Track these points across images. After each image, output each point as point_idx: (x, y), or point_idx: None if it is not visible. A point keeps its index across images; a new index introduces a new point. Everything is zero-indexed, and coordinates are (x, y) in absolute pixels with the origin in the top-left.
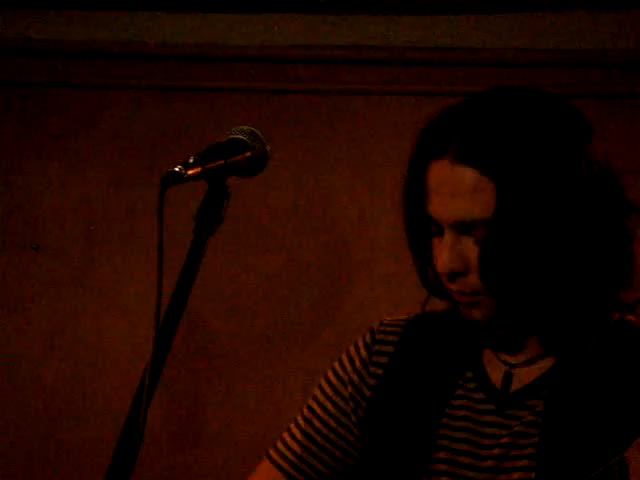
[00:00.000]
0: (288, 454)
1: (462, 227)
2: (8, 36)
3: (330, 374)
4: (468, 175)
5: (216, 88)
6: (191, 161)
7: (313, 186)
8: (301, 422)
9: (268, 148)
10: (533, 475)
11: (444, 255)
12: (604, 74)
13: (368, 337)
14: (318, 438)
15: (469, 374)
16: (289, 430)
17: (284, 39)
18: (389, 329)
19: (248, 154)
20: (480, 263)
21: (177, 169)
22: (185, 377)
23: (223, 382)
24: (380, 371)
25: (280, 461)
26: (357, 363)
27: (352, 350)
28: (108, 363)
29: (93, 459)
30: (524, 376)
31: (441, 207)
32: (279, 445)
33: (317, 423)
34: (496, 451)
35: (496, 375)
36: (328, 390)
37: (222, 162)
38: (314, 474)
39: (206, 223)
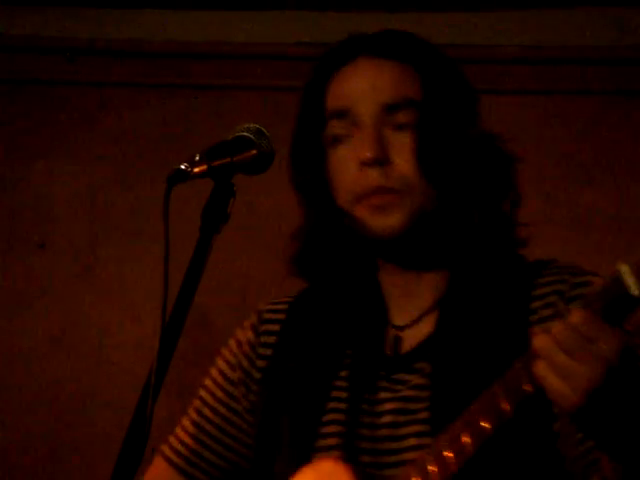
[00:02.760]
0: (180, 448)
1: (387, 111)
2: (15, 33)
3: (219, 361)
4: (391, 65)
5: (222, 86)
6: (197, 159)
7: None
8: (192, 413)
9: (274, 146)
10: (429, 440)
11: (367, 143)
12: (611, 70)
13: (255, 319)
14: (209, 427)
15: (357, 343)
16: (181, 423)
17: (290, 36)
18: (276, 307)
19: (254, 152)
20: (417, 144)
21: (183, 167)
22: (191, 374)
23: None
24: (269, 351)
25: (172, 456)
26: (245, 347)
27: (239, 334)
28: (114, 360)
29: (99, 456)
30: (413, 339)
31: (362, 96)
32: (172, 440)
33: (207, 412)
34: (387, 418)
35: (387, 340)
36: (217, 377)
37: (228, 160)
38: (207, 466)
39: (212, 221)
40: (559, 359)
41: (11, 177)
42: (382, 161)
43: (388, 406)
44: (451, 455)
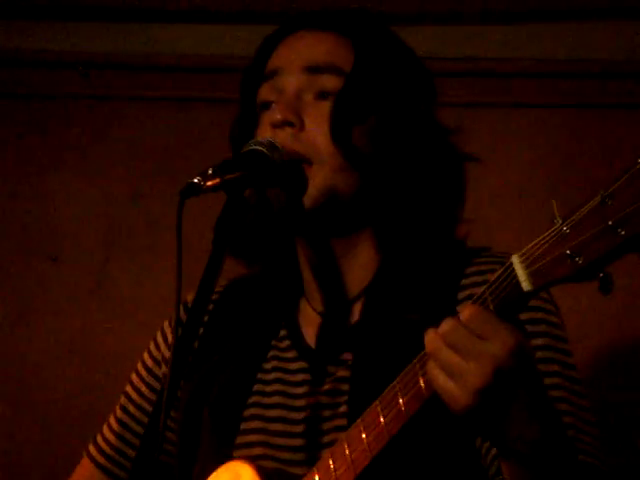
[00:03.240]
0: (104, 446)
1: (309, 72)
2: (27, 48)
3: (145, 355)
4: (326, 36)
5: (234, 99)
6: (210, 172)
7: None
8: (117, 411)
9: (286, 158)
10: None
11: (279, 105)
12: (619, 85)
13: (181, 311)
14: (132, 424)
15: (283, 332)
16: (107, 421)
17: None
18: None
19: (267, 165)
20: (333, 112)
21: (196, 180)
22: None
23: None
24: (195, 344)
25: (96, 455)
26: (170, 339)
27: (165, 326)
28: (126, 373)
29: None
30: (338, 328)
31: (288, 62)
32: (97, 438)
33: (132, 408)
34: (308, 413)
35: (311, 329)
36: (142, 372)
37: (241, 173)
38: (128, 463)
39: (225, 234)
40: (447, 357)
41: (24, 191)
42: (292, 123)
43: (310, 400)
44: (354, 457)
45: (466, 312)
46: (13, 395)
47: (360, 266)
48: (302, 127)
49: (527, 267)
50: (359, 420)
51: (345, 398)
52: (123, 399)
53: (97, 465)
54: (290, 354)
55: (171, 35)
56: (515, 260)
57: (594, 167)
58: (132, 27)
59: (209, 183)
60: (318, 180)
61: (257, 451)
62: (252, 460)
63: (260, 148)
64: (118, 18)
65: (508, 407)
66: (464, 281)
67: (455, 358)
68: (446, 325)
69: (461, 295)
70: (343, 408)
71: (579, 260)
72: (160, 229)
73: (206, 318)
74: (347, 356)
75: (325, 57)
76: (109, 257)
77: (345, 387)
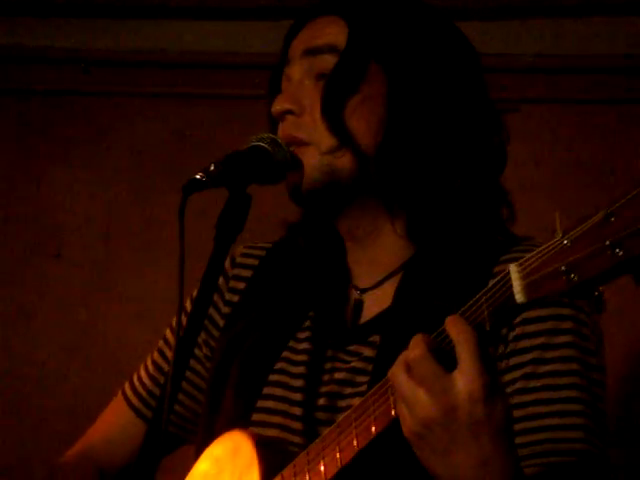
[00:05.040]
0: (138, 387)
1: (308, 55)
2: (30, 45)
3: (187, 302)
4: (329, 19)
5: (238, 96)
6: (212, 168)
7: None
8: (155, 354)
9: (289, 155)
10: None
11: (280, 94)
12: (624, 80)
13: (227, 263)
14: (168, 369)
15: (319, 305)
16: (144, 362)
17: None
18: (251, 252)
19: (269, 161)
20: (323, 92)
21: (198, 176)
22: None
23: None
24: (235, 298)
25: (131, 395)
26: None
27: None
28: (129, 370)
29: None
30: (374, 305)
31: (298, 41)
32: (134, 378)
33: (168, 353)
34: (330, 388)
35: (348, 304)
36: (182, 319)
37: (243, 169)
38: (172, 415)
39: (227, 231)
40: (406, 387)
41: (27, 187)
42: (290, 111)
43: (336, 376)
44: (323, 468)
45: (447, 324)
46: (16, 392)
47: (386, 249)
48: (302, 112)
49: (523, 278)
50: (334, 425)
51: (367, 379)
52: (161, 342)
53: (129, 405)
54: (323, 328)
55: (174, 32)
56: (513, 269)
57: (600, 160)
58: (135, 24)
59: (211, 179)
60: (313, 160)
61: (275, 419)
62: (254, 434)
63: (262, 144)
64: (121, 15)
65: (450, 451)
66: (497, 268)
67: (411, 384)
68: (414, 354)
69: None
70: (363, 387)
71: (574, 277)
72: (163, 225)
73: (250, 273)
74: (376, 337)
75: (323, 39)
76: (112, 253)
77: (369, 367)
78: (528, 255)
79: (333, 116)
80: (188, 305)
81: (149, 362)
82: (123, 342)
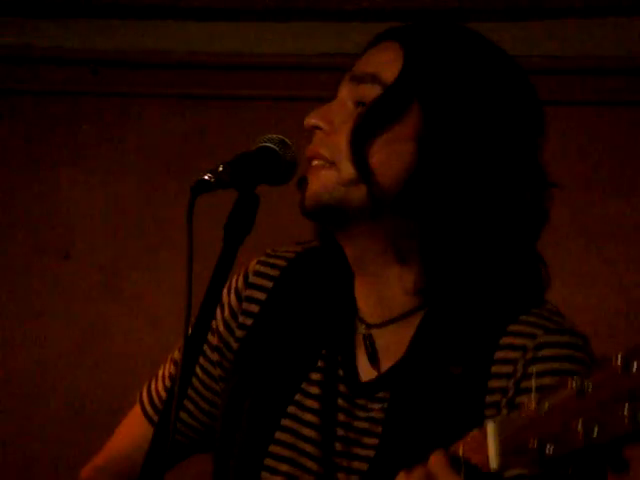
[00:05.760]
0: (157, 401)
1: (352, 82)
2: (38, 45)
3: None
4: (387, 46)
5: (246, 96)
6: (221, 169)
7: None
8: (170, 365)
9: (297, 156)
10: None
11: (318, 109)
12: (630, 81)
13: (241, 281)
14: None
15: (331, 342)
16: (161, 373)
17: (314, 47)
18: (265, 271)
19: (278, 162)
20: (358, 117)
21: (207, 177)
22: None
23: None
24: (249, 322)
25: (147, 406)
26: (226, 311)
27: (224, 294)
28: (137, 371)
29: None
30: (387, 351)
31: (355, 64)
32: (151, 390)
33: None
34: (338, 446)
35: (356, 340)
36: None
37: (252, 170)
38: (180, 424)
39: (235, 232)
40: None
41: (35, 188)
42: (319, 127)
43: (344, 432)
44: None
45: (436, 468)
46: (25, 392)
47: (395, 288)
48: (332, 131)
49: (499, 442)
50: None
51: (375, 441)
52: (177, 353)
53: (148, 418)
54: (337, 372)
55: (183, 32)
56: (490, 429)
57: (608, 162)
58: (143, 24)
59: (220, 180)
60: (328, 183)
61: (284, 468)
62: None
63: (271, 145)
64: (129, 16)
65: None
66: (503, 340)
67: None
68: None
69: (498, 355)
70: (369, 452)
71: (549, 451)
72: (171, 226)
73: (265, 296)
74: (385, 395)
75: (371, 67)
76: (120, 254)
77: (378, 429)
78: (508, 414)
79: (358, 148)
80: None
81: (166, 374)
82: (132, 342)
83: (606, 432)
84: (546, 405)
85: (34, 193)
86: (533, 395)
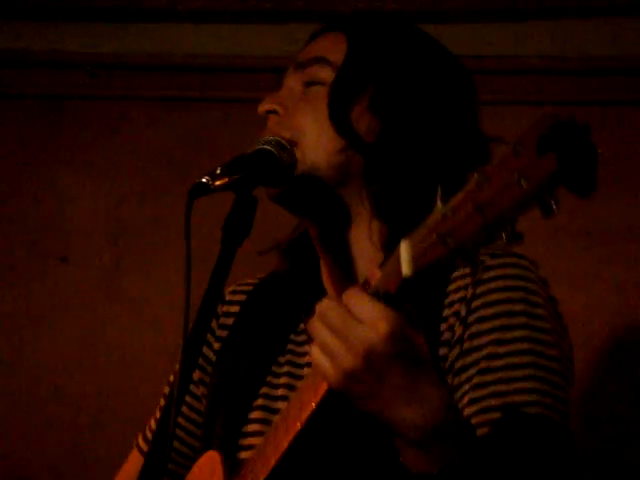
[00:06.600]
0: (149, 436)
1: (297, 68)
2: (36, 49)
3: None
4: (328, 35)
5: (243, 99)
6: (218, 172)
7: None
8: (162, 400)
9: (294, 158)
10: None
11: (268, 97)
12: (632, 81)
13: (218, 303)
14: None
15: (302, 326)
16: (155, 412)
17: None
18: (239, 289)
19: (275, 164)
20: (329, 98)
21: (204, 180)
22: None
23: None
24: (225, 333)
25: (143, 445)
26: (215, 332)
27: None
28: (136, 374)
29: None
30: None
31: (297, 55)
32: (146, 430)
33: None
34: None
35: None
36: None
37: (249, 173)
38: (175, 454)
39: (234, 234)
40: (323, 336)
41: (33, 191)
42: (274, 111)
43: None
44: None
45: (347, 293)
46: (23, 396)
47: (364, 255)
48: (285, 113)
49: (411, 251)
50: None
51: None
52: (166, 388)
53: (143, 454)
54: (303, 348)
55: (180, 35)
56: (403, 244)
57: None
58: (141, 27)
59: (217, 183)
60: (302, 158)
61: (257, 441)
62: (222, 455)
63: (268, 147)
64: (127, 18)
65: (379, 390)
66: (450, 287)
67: (330, 338)
68: (324, 304)
69: (450, 287)
70: None
71: (451, 243)
72: (169, 229)
73: (238, 309)
74: None
75: (315, 52)
76: (118, 257)
77: None
78: (417, 227)
79: (340, 120)
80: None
81: (157, 410)
82: (130, 345)
83: (498, 206)
84: (449, 205)
85: (32, 196)
86: (439, 204)
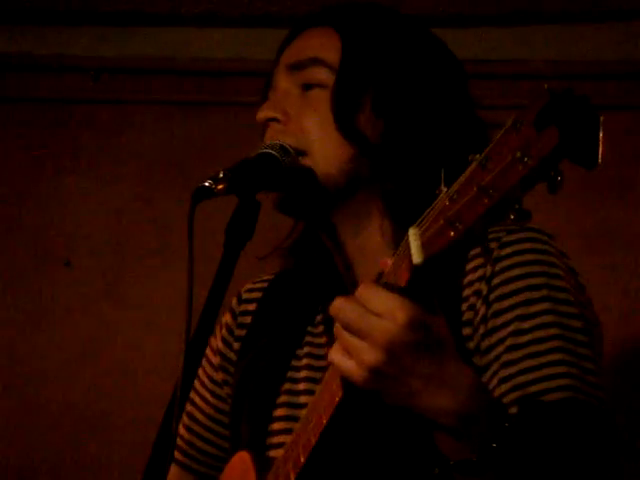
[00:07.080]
0: (179, 441)
1: (292, 70)
2: (39, 53)
3: (207, 348)
4: (318, 31)
5: (246, 103)
6: (221, 176)
7: None
8: (187, 404)
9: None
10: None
11: (264, 103)
12: (629, 85)
13: (234, 301)
14: (199, 416)
15: (319, 317)
16: (182, 419)
17: None
18: (254, 286)
19: (278, 168)
20: (331, 103)
21: (207, 184)
22: None
23: None
24: (244, 332)
25: (178, 456)
26: (223, 330)
27: (222, 317)
28: (139, 377)
29: (124, 473)
30: None
31: (284, 55)
32: (178, 441)
33: (198, 400)
34: None
35: None
36: (205, 364)
37: (252, 177)
38: (201, 455)
39: (236, 237)
40: (341, 336)
41: (36, 195)
42: (275, 118)
43: None
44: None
45: (360, 288)
46: (25, 398)
47: (376, 253)
48: (288, 120)
49: (420, 238)
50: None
51: None
52: (192, 392)
53: (177, 463)
54: (322, 339)
55: (183, 39)
56: (411, 232)
57: (612, 167)
58: (144, 31)
59: (220, 186)
60: (315, 168)
61: (284, 439)
62: (252, 454)
63: (271, 151)
64: (130, 23)
65: (408, 382)
66: (470, 265)
67: (347, 336)
68: (338, 303)
69: (469, 266)
70: None
71: (459, 226)
72: (172, 233)
73: (255, 306)
74: None
75: (309, 52)
76: (121, 261)
77: None
78: (424, 214)
79: (348, 127)
80: (207, 351)
81: (184, 415)
82: (133, 349)
83: (503, 185)
84: (454, 189)
85: (34, 200)
86: (443, 189)
